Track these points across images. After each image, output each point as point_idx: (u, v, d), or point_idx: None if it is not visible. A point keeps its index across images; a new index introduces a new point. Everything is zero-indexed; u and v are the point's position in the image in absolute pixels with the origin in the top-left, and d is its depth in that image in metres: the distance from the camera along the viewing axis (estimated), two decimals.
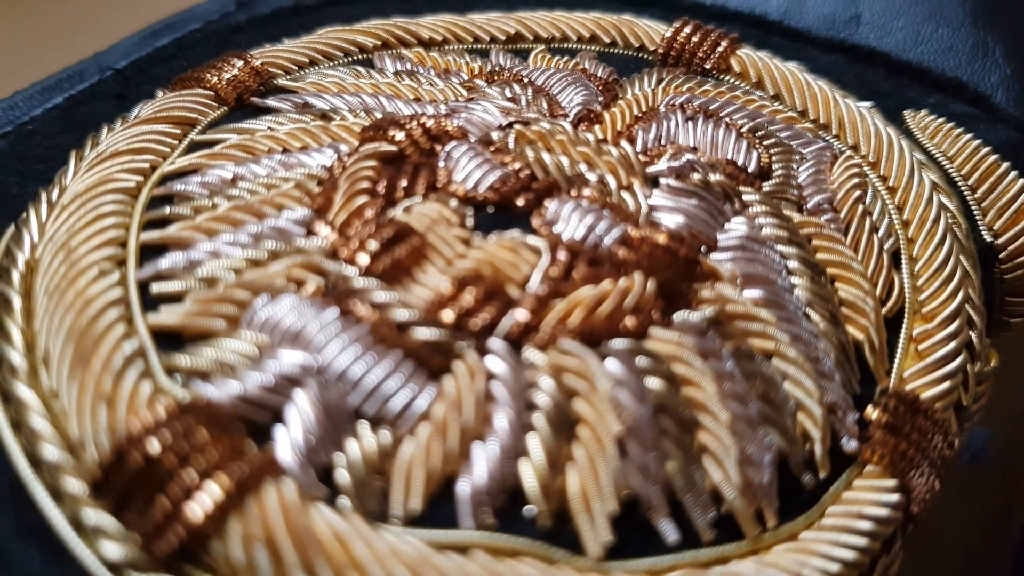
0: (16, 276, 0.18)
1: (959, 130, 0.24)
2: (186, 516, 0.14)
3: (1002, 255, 0.23)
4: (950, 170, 0.24)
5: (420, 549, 0.14)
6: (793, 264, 0.20)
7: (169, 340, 0.16)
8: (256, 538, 0.14)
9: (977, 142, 0.24)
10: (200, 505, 0.14)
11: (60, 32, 0.39)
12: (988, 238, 0.23)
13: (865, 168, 0.23)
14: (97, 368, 0.15)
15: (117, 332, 0.16)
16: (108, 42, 0.29)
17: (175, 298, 0.17)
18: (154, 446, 0.14)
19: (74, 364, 0.16)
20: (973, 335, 0.21)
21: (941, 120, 0.25)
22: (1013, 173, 0.24)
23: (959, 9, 0.30)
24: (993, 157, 0.24)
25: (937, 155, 0.24)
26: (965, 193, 0.23)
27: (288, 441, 0.15)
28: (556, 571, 0.15)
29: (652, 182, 0.20)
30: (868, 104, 0.25)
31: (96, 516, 0.14)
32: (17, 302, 0.17)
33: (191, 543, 0.14)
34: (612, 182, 0.20)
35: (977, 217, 0.23)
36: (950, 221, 0.22)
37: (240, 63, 0.23)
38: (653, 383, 0.17)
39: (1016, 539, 0.32)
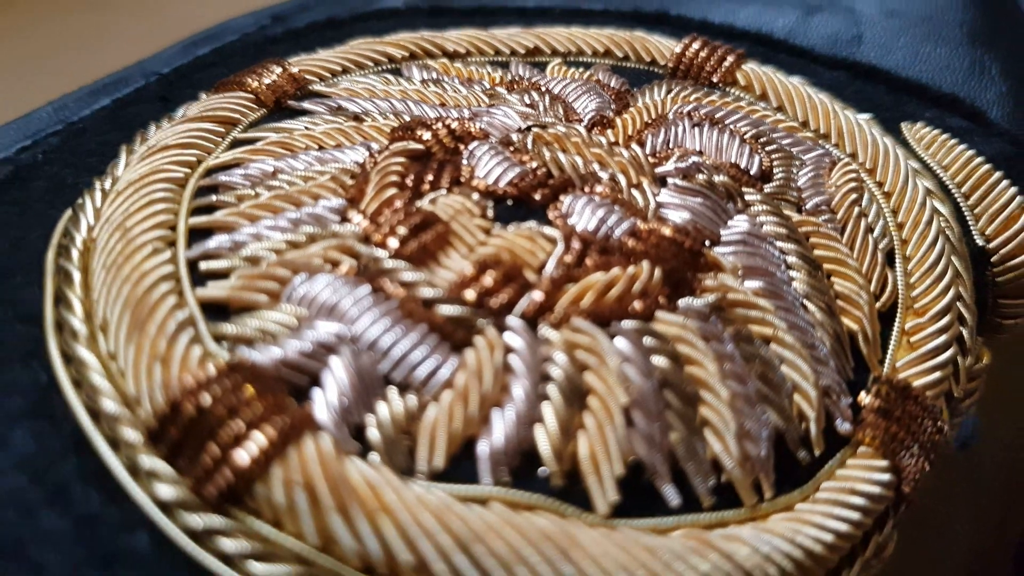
0: (75, 253, 0.19)
1: (953, 141, 0.26)
2: (234, 461, 0.15)
3: (994, 259, 0.24)
4: (944, 178, 0.25)
5: (444, 499, 0.16)
6: (791, 259, 0.21)
7: (216, 312, 0.18)
8: (296, 483, 0.15)
9: (971, 152, 0.26)
10: (247, 451, 0.15)
11: (98, 43, 0.41)
12: (980, 242, 0.24)
13: (862, 174, 0.24)
14: (152, 332, 0.17)
15: (169, 302, 0.18)
16: (145, 54, 0.31)
17: (221, 275, 0.19)
18: (205, 399, 0.16)
19: (131, 329, 0.17)
20: (964, 331, 0.22)
21: (937, 131, 0.26)
22: (1005, 182, 0.25)
23: (958, 30, 0.32)
24: (986, 166, 0.25)
25: (932, 164, 0.25)
26: (959, 200, 0.25)
27: (324, 402, 0.17)
28: (568, 524, 0.16)
29: (660, 181, 0.22)
30: (867, 116, 0.26)
31: (151, 461, 0.16)
32: (76, 276, 0.19)
33: (237, 486, 0.15)
34: (623, 180, 0.22)
35: (970, 223, 0.25)
36: (943, 225, 0.23)
37: (279, 69, 0.25)
38: (659, 361, 0.18)
39: (1016, 540, 0.33)
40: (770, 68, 0.28)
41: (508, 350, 0.18)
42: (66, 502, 0.15)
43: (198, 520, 0.15)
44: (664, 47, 0.28)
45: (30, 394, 0.17)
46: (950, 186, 0.25)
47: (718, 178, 0.22)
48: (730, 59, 0.27)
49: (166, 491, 0.15)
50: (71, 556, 0.15)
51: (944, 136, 0.26)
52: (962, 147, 0.26)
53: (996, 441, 0.30)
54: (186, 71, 0.28)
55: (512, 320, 0.18)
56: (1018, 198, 0.25)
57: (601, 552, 0.16)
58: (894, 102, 0.29)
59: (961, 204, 0.25)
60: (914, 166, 0.25)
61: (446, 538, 0.15)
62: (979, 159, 0.26)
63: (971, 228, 0.25)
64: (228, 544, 0.15)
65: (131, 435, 0.16)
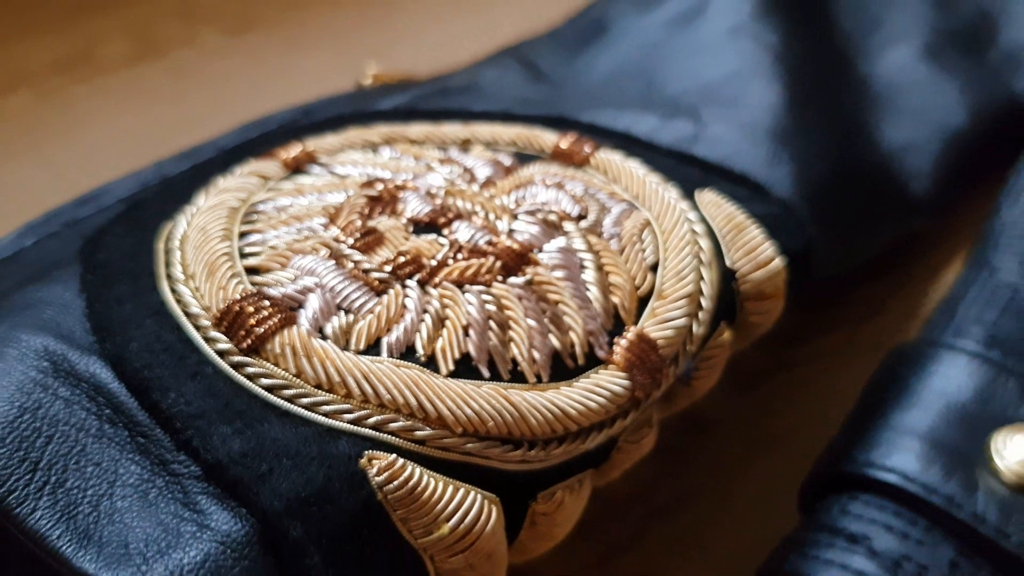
0: (177, 242, 0.38)
1: (725, 200, 0.44)
2: (256, 332, 0.33)
3: (737, 275, 0.42)
4: (712, 224, 0.43)
5: (360, 358, 0.33)
6: (586, 263, 0.39)
7: (253, 272, 0.36)
8: (286, 344, 0.33)
9: (734, 207, 0.43)
10: (262, 328, 0.33)
11: (187, 122, 0.61)
12: (729, 264, 0.42)
13: (651, 219, 0.42)
14: (218, 278, 0.35)
15: (227, 265, 0.36)
16: (218, 132, 0.50)
17: (256, 254, 0.37)
18: (245, 305, 0.34)
19: (207, 277, 0.36)
20: (700, 312, 0.39)
21: (716, 195, 0.44)
22: (752, 225, 0.42)
23: (763, 131, 0.50)
24: (741, 216, 0.43)
25: (706, 216, 0.43)
26: (719, 238, 0.42)
27: (304, 315, 0.34)
28: (424, 376, 0.33)
29: (515, 217, 0.40)
30: (670, 185, 0.44)
31: (215, 334, 0.34)
32: (177, 254, 0.37)
33: (257, 344, 0.33)
34: (492, 216, 0.40)
35: (725, 252, 0.42)
36: (696, 250, 0.41)
37: (300, 147, 0.44)
38: (489, 307, 0.36)
39: None
40: (616, 154, 0.46)
41: (407, 297, 0.36)
42: (172, 351, 0.33)
43: (237, 359, 0.33)
44: (550, 140, 0.47)
45: (153, 307, 0.35)
46: (715, 229, 0.43)
47: (550, 217, 0.40)
48: (587, 148, 0.46)
49: (222, 346, 0.33)
50: (176, 371, 0.33)
51: (719, 197, 0.44)
52: (728, 204, 0.43)
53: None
54: (242, 147, 0.48)
55: (410, 282, 0.36)
56: (759, 236, 0.42)
57: (438, 387, 0.33)
58: (703, 178, 0.47)
59: (720, 241, 0.42)
60: (690, 216, 0.42)
61: (358, 372, 0.33)
62: (739, 212, 0.43)
63: (725, 256, 0.42)
64: (251, 370, 0.33)
65: (205, 323, 0.34)
